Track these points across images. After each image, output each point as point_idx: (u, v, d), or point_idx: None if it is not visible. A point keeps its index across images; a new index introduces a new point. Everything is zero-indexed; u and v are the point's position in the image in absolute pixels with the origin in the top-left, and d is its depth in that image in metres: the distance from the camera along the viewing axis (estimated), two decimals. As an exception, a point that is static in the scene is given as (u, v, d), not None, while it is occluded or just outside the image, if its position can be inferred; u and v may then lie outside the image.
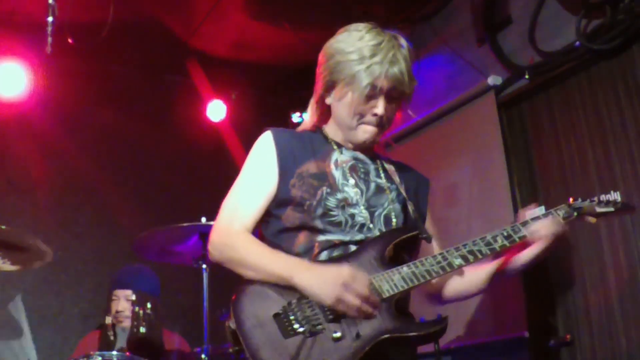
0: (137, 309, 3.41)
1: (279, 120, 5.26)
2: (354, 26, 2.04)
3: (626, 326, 3.09)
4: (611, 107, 3.32)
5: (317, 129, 2.12)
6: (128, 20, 4.27)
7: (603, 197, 2.00)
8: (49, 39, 3.25)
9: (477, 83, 3.93)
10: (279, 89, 5.20)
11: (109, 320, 3.41)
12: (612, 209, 2.00)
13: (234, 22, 4.55)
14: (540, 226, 1.87)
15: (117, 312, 3.43)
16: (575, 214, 1.96)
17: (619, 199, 2.03)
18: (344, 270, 1.75)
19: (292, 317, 1.74)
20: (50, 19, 3.27)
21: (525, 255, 1.93)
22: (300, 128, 2.15)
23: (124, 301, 3.46)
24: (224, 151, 5.02)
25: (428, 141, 4.30)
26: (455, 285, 2.08)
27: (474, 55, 4.07)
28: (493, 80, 3.81)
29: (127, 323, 3.41)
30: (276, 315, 1.76)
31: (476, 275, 2.04)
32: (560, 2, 3.54)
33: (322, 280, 1.74)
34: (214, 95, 4.98)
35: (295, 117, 5.11)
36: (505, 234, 1.89)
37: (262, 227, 2.01)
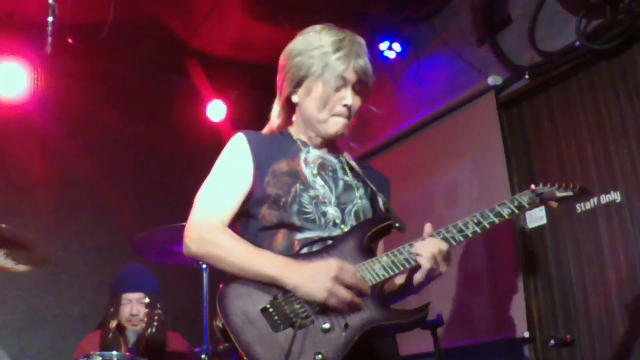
0: (148, 311, 3.41)
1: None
2: (310, 28, 2.10)
3: (626, 326, 3.09)
4: (611, 107, 3.32)
5: (283, 131, 2.14)
6: (128, 20, 4.27)
7: (562, 183, 2.06)
8: (49, 39, 3.25)
9: (477, 83, 3.94)
10: (279, 89, 5.19)
11: (114, 323, 3.40)
12: (571, 193, 2.06)
13: (234, 22, 4.55)
14: (421, 248, 1.85)
15: (131, 315, 3.42)
16: (538, 199, 2.00)
17: (583, 187, 2.10)
18: (332, 263, 1.77)
19: (280, 311, 1.76)
20: (50, 19, 3.27)
21: (416, 277, 1.90)
22: (265, 130, 2.16)
23: (137, 304, 3.44)
24: (224, 151, 5.01)
25: (428, 141, 4.30)
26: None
27: (474, 55, 4.07)
28: (493, 80, 3.81)
29: (141, 326, 3.40)
30: (264, 310, 1.76)
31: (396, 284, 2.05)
32: (560, 2, 3.55)
33: (312, 277, 1.75)
34: (214, 95, 4.98)
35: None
36: (475, 220, 1.92)
37: (240, 228, 2.00)
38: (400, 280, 2.01)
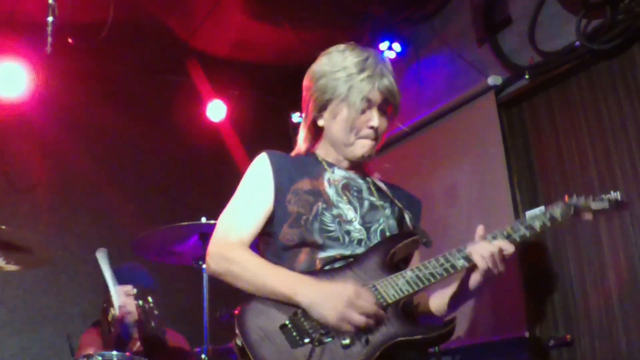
0: (140, 302, 3.42)
1: (279, 120, 5.28)
2: (334, 48, 2.07)
3: (626, 326, 3.09)
4: (611, 106, 3.32)
5: (309, 153, 2.13)
6: (128, 20, 4.26)
7: (598, 195, 2.00)
8: (49, 39, 3.24)
9: (477, 83, 3.94)
10: (279, 89, 5.20)
11: (108, 317, 3.41)
12: (607, 206, 1.99)
13: (234, 22, 4.55)
14: (479, 247, 1.82)
15: (120, 307, 3.44)
16: (572, 211, 1.94)
17: (618, 197, 2.03)
18: (347, 288, 1.73)
19: (299, 327, 1.73)
20: (50, 19, 3.27)
21: (472, 281, 1.88)
22: (293, 153, 2.15)
23: (124, 296, 3.47)
24: (224, 151, 5.02)
25: (428, 141, 4.30)
26: (434, 305, 2.05)
27: (474, 55, 4.07)
28: (493, 80, 3.81)
29: (130, 318, 3.42)
30: (283, 327, 1.74)
31: (441, 300, 2.02)
32: (560, 2, 3.55)
33: (325, 298, 1.72)
34: (214, 95, 4.98)
35: (295, 117, 5.11)
36: (505, 233, 1.87)
37: (263, 248, 2.00)
38: (451, 290, 1.97)
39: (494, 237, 1.85)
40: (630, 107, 3.22)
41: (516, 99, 3.82)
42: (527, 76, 3.69)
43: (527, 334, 3.42)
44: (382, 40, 4.48)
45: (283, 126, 5.23)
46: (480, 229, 1.87)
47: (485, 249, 1.80)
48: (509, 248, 1.81)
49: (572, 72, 3.52)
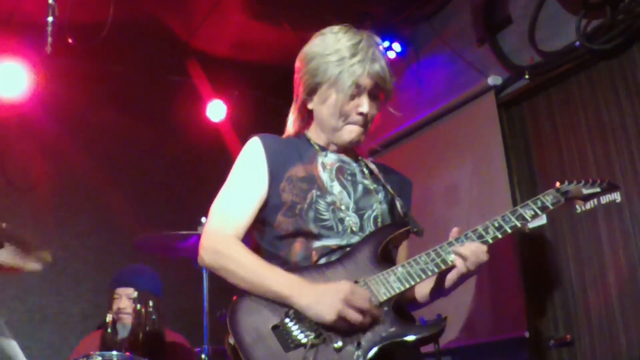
0: (139, 306, 3.43)
1: (279, 120, 5.28)
2: (328, 29, 2.03)
3: (626, 326, 3.09)
4: (611, 106, 3.32)
5: (300, 134, 2.09)
6: (128, 20, 4.27)
7: (588, 179, 1.98)
8: (49, 39, 3.24)
9: (477, 83, 3.94)
10: (279, 89, 5.19)
11: (109, 317, 3.43)
12: (598, 189, 1.97)
13: (234, 22, 4.55)
14: (462, 249, 1.82)
15: (118, 309, 3.46)
16: (563, 198, 1.92)
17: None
18: (343, 286, 1.72)
19: (291, 329, 1.72)
20: (50, 19, 3.27)
21: (449, 278, 1.89)
22: (284, 136, 2.12)
23: (125, 299, 3.48)
24: (224, 151, 5.01)
25: (428, 141, 4.30)
26: (419, 294, 2.05)
27: (474, 55, 4.07)
28: (493, 80, 3.81)
29: (128, 320, 3.43)
30: (275, 328, 1.73)
31: (425, 289, 2.02)
32: (560, 2, 3.55)
33: (321, 299, 1.71)
34: (214, 95, 4.98)
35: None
36: (496, 224, 1.86)
37: (257, 236, 1.97)
38: (429, 284, 1.96)
39: (485, 229, 1.85)
40: (630, 107, 3.22)
41: (516, 98, 3.82)
42: (527, 76, 3.69)
43: (527, 334, 3.42)
44: (382, 40, 4.46)
45: (283, 126, 5.23)
46: (454, 231, 1.87)
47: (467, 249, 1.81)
48: (482, 249, 1.82)
49: (572, 72, 3.52)
